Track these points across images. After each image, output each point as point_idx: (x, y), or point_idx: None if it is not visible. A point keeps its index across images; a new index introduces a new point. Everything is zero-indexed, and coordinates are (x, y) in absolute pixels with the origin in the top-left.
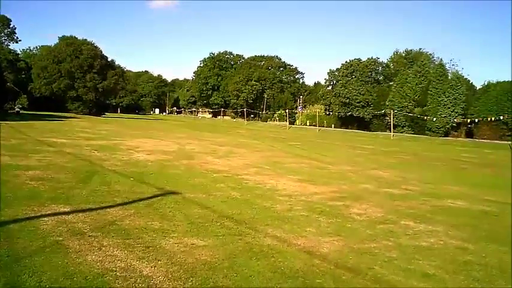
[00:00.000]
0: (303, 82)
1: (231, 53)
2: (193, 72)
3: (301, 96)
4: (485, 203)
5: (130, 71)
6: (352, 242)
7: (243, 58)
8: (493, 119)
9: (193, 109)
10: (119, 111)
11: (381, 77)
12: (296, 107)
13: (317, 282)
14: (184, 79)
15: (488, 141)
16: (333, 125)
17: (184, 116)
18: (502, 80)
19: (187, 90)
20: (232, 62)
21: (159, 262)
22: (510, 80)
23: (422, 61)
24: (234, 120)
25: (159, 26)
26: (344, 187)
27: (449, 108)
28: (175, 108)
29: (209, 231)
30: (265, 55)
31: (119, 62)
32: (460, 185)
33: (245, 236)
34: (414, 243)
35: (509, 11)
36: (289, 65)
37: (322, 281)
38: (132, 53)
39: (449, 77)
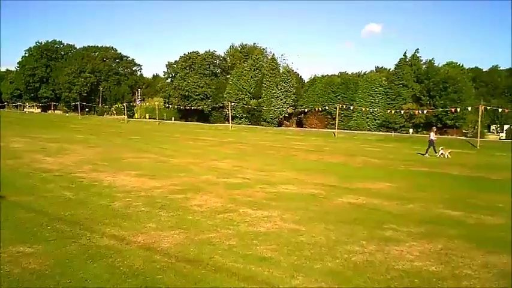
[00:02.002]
0: (141, 74)
1: (60, 42)
2: (18, 63)
3: (139, 89)
4: (314, 186)
5: None
6: (193, 233)
7: (75, 48)
8: (320, 109)
9: (19, 103)
10: None
11: (219, 70)
12: (134, 100)
13: (158, 279)
14: (7, 70)
15: (316, 129)
16: (173, 118)
17: (8, 111)
18: (325, 74)
19: (11, 83)
20: (62, 52)
21: None
22: (331, 74)
23: (256, 55)
24: (67, 114)
25: None
26: (185, 179)
27: (281, 100)
28: None
29: (38, 236)
30: (99, 45)
31: None
32: (291, 171)
33: (80, 238)
34: (252, 230)
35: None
36: (125, 56)
37: (162, 276)
38: None
39: (281, 71)
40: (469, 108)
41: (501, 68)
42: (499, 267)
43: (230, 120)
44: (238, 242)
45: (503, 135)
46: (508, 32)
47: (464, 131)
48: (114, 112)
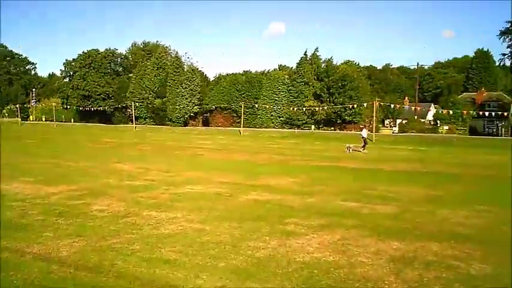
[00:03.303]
0: (36, 73)
1: None
2: None
3: (34, 89)
4: (219, 185)
5: None
6: (93, 240)
7: None
8: (225, 107)
9: None
10: None
11: (121, 69)
12: (29, 101)
13: None
14: None
15: (222, 128)
16: (72, 120)
17: None
18: (230, 73)
19: None
20: None
21: None
22: (237, 72)
23: (159, 53)
24: None
25: None
26: (85, 184)
27: (187, 99)
28: None
29: None
30: None
31: None
32: (197, 171)
33: None
34: (156, 232)
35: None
36: (17, 54)
37: (61, 287)
38: None
39: (186, 70)
40: (365, 105)
41: (393, 66)
42: (389, 253)
43: (134, 121)
44: (142, 246)
45: (396, 129)
46: (399, 32)
47: (361, 126)
48: (6, 114)
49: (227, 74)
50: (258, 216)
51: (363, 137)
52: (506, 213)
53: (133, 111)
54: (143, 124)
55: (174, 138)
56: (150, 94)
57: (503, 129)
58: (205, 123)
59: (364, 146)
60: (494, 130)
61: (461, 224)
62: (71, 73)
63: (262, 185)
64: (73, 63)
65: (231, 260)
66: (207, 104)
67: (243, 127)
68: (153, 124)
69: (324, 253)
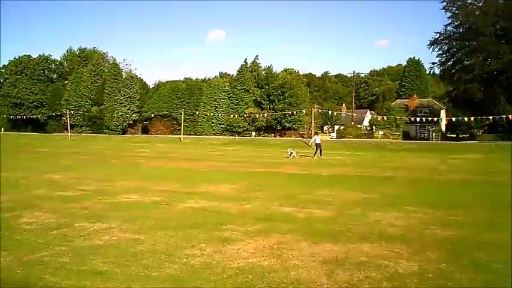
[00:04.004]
0: None
1: None
2: None
3: None
4: (157, 193)
5: None
6: (21, 254)
7: None
8: (165, 115)
9: None
10: None
11: (55, 76)
12: None
13: None
14: None
15: (162, 135)
16: (2, 129)
17: None
18: (170, 80)
19: None
20: None
21: None
22: (177, 79)
23: (96, 60)
24: None
25: None
26: (14, 196)
27: (125, 106)
28: None
29: None
30: None
31: None
32: (134, 179)
33: None
34: (88, 244)
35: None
36: None
37: None
38: None
39: (124, 76)
40: (304, 111)
41: (331, 74)
42: (322, 255)
43: (69, 129)
44: (73, 258)
45: (334, 135)
46: (337, 41)
47: (300, 132)
48: None
49: (167, 81)
50: (195, 223)
51: (316, 143)
52: (433, 213)
53: (68, 119)
54: (79, 133)
55: (111, 146)
56: (86, 102)
57: (433, 133)
58: (145, 131)
59: (320, 152)
60: (426, 135)
61: (391, 225)
62: (1, 80)
63: (200, 192)
64: (3, 70)
65: (165, 268)
66: (146, 112)
67: (184, 134)
68: (89, 132)
69: (259, 258)
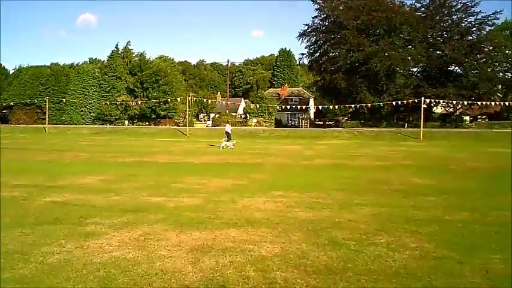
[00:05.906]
0: None
1: None
2: None
3: None
4: (13, 188)
5: None
6: None
7: None
8: (27, 103)
9: None
10: None
11: None
12: None
13: None
14: None
15: (24, 125)
16: None
17: None
18: (33, 65)
19: None
20: None
21: None
22: (41, 64)
23: None
24: None
25: None
26: None
27: None
28: None
29: None
30: None
31: None
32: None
33: None
34: None
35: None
36: None
37: None
38: None
39: None
40: (179, 99)
41: (206, 62)
42: (189, 243)
43: None
44: None
45: (209, 123)
46: (213, 29)
47: (176, 120)
48: None
49: (29, 66)
50: (55, 219)
51: (226, 132)
52: (298, 197)
53: None
54: None
55: None
56: None
57: (303, 121)
58: (5, 120)
59: (230, 140)
60: (296, 122)
61: (258, 210)
62: None
63: (64, 185)
64: None
65: (19, 269)
66: (6, 99)
67: (49, 124)
68: None
69: (124, 251)
